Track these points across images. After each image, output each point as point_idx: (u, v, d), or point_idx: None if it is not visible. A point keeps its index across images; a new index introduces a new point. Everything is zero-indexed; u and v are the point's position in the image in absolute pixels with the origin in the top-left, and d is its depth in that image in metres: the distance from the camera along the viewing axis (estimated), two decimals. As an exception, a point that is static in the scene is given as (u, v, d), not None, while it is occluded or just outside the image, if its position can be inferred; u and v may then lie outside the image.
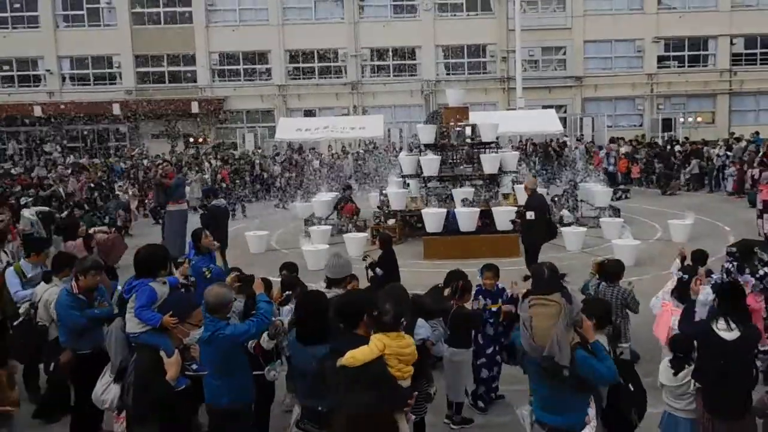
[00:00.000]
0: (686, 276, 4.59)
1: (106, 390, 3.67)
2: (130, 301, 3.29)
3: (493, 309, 4.63)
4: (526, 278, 4.11)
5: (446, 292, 4.45)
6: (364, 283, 5.42)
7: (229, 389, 3.37)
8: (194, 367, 3.11)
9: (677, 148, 17.83)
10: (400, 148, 17.59)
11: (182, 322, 3.00)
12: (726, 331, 3.30)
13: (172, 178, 9.31)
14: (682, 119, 22.55)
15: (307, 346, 3.11)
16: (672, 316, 4.24)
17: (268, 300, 3.69)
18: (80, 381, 4.10)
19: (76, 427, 4.21)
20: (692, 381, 3.52)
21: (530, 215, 7.38)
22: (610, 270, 4.88)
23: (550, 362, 2.66)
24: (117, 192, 14.15)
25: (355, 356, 2.83)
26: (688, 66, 23.99)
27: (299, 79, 24.75)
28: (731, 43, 23.54)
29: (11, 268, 5.24)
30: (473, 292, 4.65)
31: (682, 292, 4.46)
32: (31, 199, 11.20)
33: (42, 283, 4.72)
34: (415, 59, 24.59)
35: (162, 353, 2.91)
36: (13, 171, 16.97)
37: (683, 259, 5.05)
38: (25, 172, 16.97)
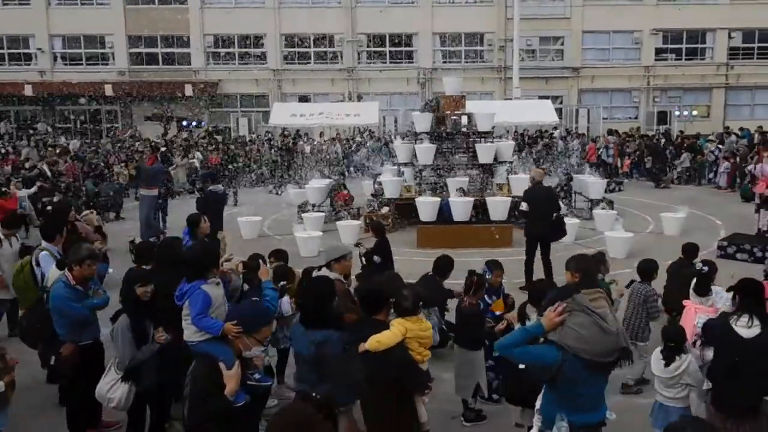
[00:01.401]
0: (706, 268, 4.55)
1: (112, 388, 3.60)
2: (185, 308, 3.09)
3: (497, 313, 4.51)
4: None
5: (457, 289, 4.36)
6: (357, 271, 5.41)
7: None
8: (257, 376, 2.89)
9: (663, 141, 17.79)
10: (395, 136, 17.50)
11: (248, 334, 2.77)
12: (745, 328, 3.24)
13: (152, 163, 9.36)
14: (677, 112, 22.59)
15: (308, 330, 3.10)
16: (696, 315, 4.14)
17: (274, 288, 3.67)
18: (83, 373, 4.04)
19: (74, 418, 4.14)
20: (685, 373, 3.50)
21: (523, 206, 7.30)
22: (641, 268, 4.91)
23: (625, 353, 2.58)
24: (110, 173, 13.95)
25: (380, 341, 2.86)
26: (686, 59, 23.95)
27: (294, 63, 24.43)
28: (729, 37, 23.50)
29: (45, 252, 5.03)
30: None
31: (702, 286, 4.40)
32: (19, 179, 11.04)
33: (54, 267, 4.55)
34: (411, 46, 24.33)
35: (221, 365, 2.68)
36: (2, 150, 16.68)
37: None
38: (15, 152, 16.69)
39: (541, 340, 2.61)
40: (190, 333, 3.04)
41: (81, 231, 6.00)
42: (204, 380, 2.65)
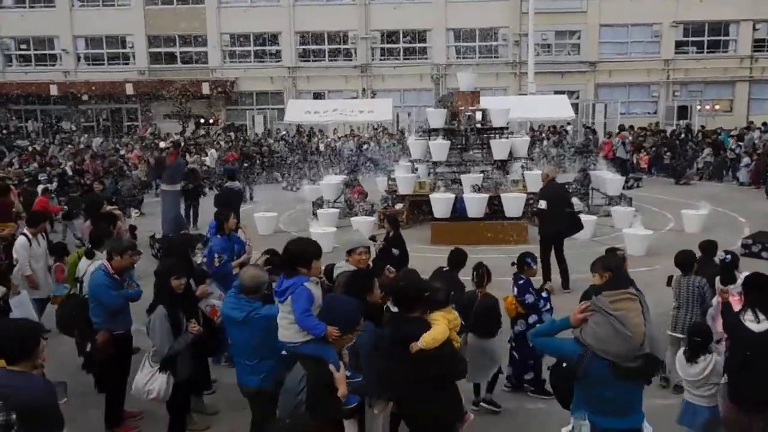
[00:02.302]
0: (729, 257, 4.47)
1: (149, 381, 3.64)
2: (285, 305, 2.86)
3: (544, 294, 4.61)
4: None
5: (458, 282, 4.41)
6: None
7: (261, 371, 3.35)
8: (347, 374, 2.81)
9: (683, 136, 17.40)
10: (406, 132, 17.49)
11: (351, 332, 2.73)
12: (754, 323, 3.24)
13: (174, 159, 9.48)
14: (698, 107, 22.03)
15: None
16: (738, 306, 4.10)
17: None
18: (117, 362, 4.14)
19: (113, 407, 4.24)
20: (713, 374, 3.47)
21: (542, 204, 7.21)
22: (680, 260, 4.72)
23: (650, 361, 2.49)
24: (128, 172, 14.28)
25: (435, 337, 2.89)
26: (707, 52, 23.34)
27: (309, 61, 24.56)
28: (754, 29, 22.82)
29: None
30: (520, 284, 4.62)
31: (725, 275, 4.35)
32: (45, 176, 11.39)
33: (84, 258, 4.69)
34: (425, 42, 24.23)
35: (331, 367, 2.60)
36: (29, 149, 17.21)
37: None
38: (42, 150, 17.20)
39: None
40: (292, 333, 2.79)
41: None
42: (317, 385, 2.56)
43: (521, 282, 4.61)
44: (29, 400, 2.37)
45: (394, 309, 3.28)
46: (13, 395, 2.31)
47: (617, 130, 18.35)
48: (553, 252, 7.14)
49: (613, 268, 3.41)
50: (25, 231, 5.84)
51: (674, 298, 4.75)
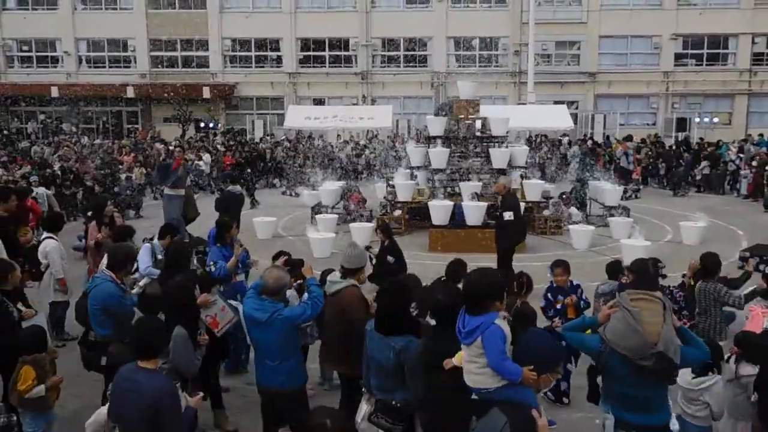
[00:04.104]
0: None
1: None
2: (473, 347, 2.56)
3: (558, 306, 4.58)
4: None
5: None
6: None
7: (282, 371, 3.34)
8: None
9: (682, 148, 17.43)
10: (407, 139, 17.54)
11: (550, 372, 2.53)
12: None
13: (179, 164, 9.35)
14: (698, 119, 22.15)
15: (387, 337, 3.03)
16: (764, 318, 4.06)
17: (318, 284, 3.66)
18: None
19: None
20: (708, 390, 3.40)
21: (509, 215, 7.13)
22: (706, 265, 4.70)
23: (663, 361, 2.51)
24: (126, 174, 14.25)
25: None
26: (707, 65, 23.52)
27: (310, 67, 24.67)
28: (753, 42, 23.02)
29: (148, 244, 5.12)
30: (547, 287, 4.69)
31: None
32: (35, 178, 11.30)
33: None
34: (426, 50, 24.38)
35: (534, 413, 2.36)
36: (31, 150, 17.16)
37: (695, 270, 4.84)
38: (35, 153, 17.17)
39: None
40: (484, 379, 2.52)
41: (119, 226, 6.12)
42: None
43: (548, 286, 4.74)
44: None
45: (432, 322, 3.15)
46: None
47: (616, 141, 18.37)
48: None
49: (636, 270, 3.60)
50: (50, 234, 5.62)
51: (697, 304, 4.79)
